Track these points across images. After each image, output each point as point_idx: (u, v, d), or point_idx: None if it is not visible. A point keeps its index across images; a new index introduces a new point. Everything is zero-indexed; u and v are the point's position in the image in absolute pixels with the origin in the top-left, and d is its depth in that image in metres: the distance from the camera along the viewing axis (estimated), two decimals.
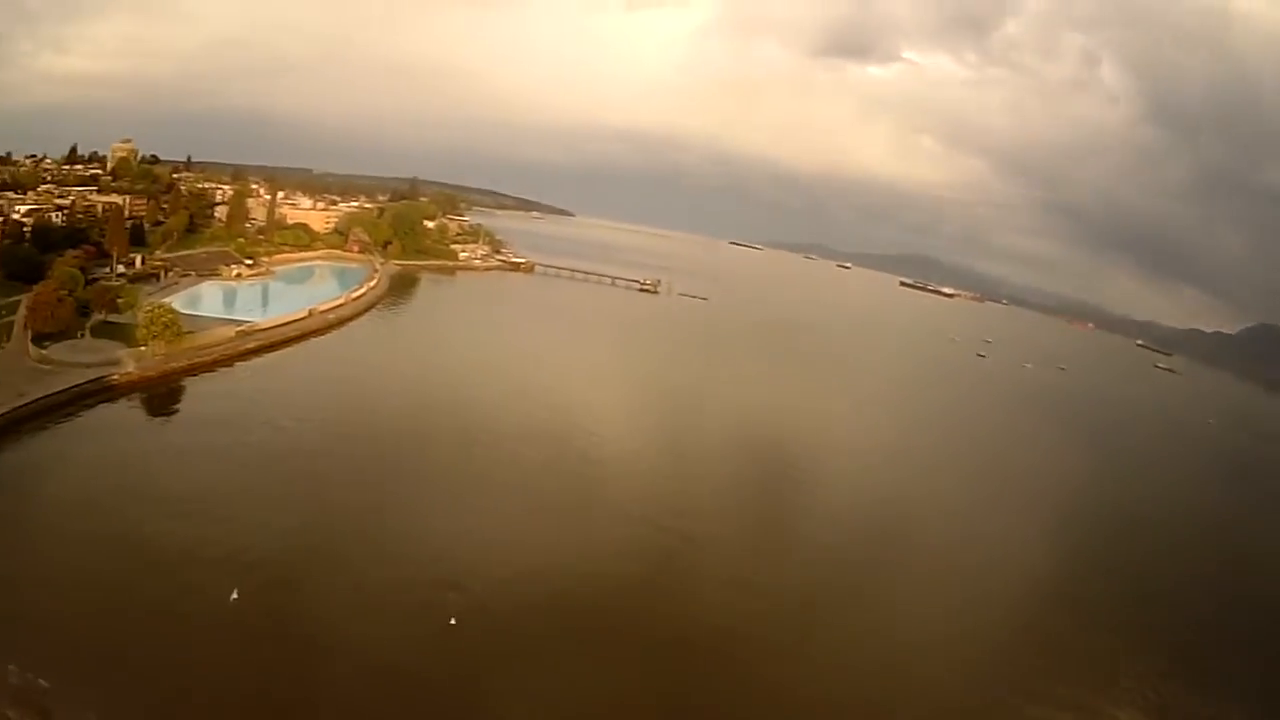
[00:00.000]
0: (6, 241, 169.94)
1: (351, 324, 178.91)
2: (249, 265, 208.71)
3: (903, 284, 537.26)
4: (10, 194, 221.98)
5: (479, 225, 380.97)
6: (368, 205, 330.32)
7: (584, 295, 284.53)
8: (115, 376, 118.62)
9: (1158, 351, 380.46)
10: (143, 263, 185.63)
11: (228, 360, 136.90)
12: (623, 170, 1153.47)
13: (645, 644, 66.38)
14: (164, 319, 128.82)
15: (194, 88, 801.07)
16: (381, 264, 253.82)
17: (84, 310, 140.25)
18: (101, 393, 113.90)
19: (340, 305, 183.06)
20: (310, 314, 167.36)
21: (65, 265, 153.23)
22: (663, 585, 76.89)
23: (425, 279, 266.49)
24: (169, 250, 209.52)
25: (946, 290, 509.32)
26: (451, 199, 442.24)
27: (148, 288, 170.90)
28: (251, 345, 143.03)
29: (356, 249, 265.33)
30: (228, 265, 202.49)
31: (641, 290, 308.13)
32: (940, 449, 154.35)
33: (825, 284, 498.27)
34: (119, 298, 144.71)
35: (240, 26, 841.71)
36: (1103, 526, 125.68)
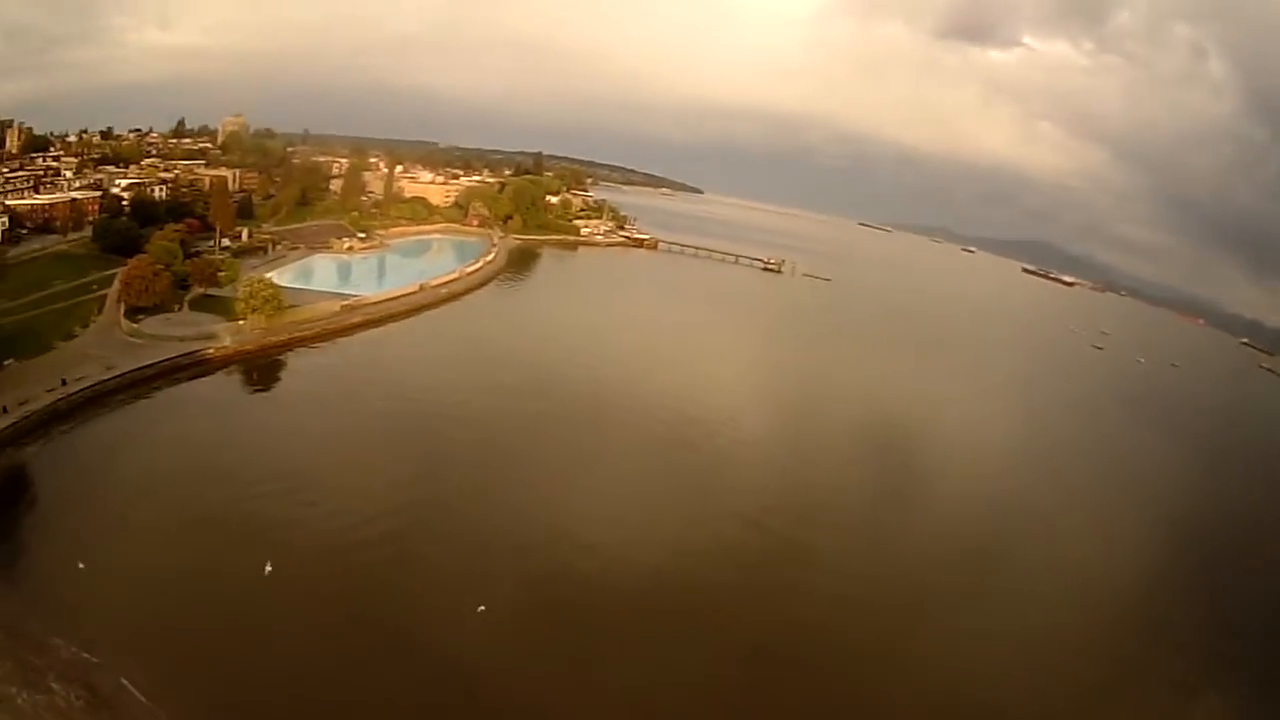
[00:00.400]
0: (104, 216, 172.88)
1: (465, 299, 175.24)
2: (361, 239, 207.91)
3: (1025, 270, 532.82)
4: (111, 168, 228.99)
5: (603, 201, 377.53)
6: (489, 179, 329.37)
7: (706, 273, 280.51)
8: (210, 350, 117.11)
9: (1262, 351, 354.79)
10: (249, 236, 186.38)
11: (330, 335, 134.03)
12: (751, 148, 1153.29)
13: (739, 630, 67.42)
14: (264, 293, 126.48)
15: (313, 63, 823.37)
16: (500, 238, 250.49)
17: (183, 284, 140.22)
18: (194, 366, 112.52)
19: (454, 280, 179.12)
20: (421, 288, 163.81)
21: (164, 239, 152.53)
22: (764, 570, 78.30)
23: (545, 254, 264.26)
24: (279, 224, 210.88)
25: (1067, 279, 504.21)
26: (577, 174, 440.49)
27: (253, 261, 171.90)
28: (356, 320, 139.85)
29: (476, 223, 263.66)
30: (339, 239, 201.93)
31: (765, 269, 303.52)
32: (1055, 448, 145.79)
33: (950, 268, 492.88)
34: (219, 271, 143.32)
35: (358, 2, 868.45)
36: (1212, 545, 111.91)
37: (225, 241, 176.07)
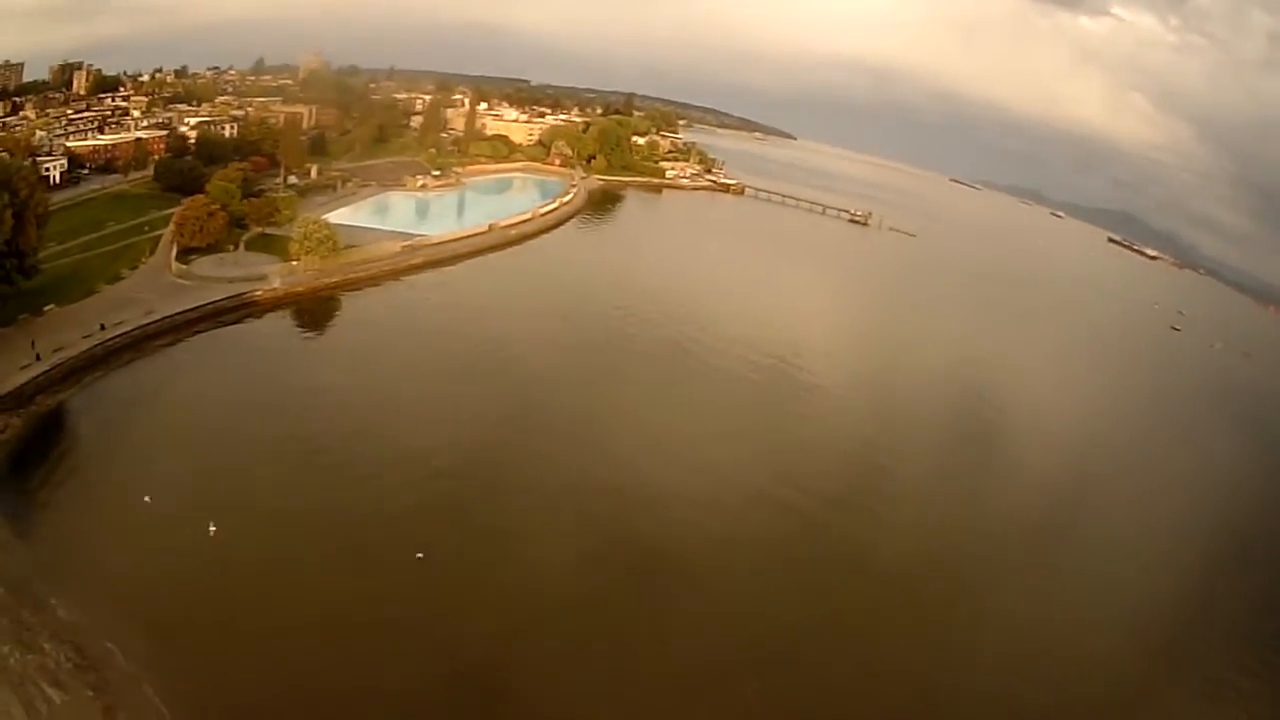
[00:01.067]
0: (167, 155, 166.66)
1: (536, 240, 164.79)
2: (435, 176, 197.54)
3: (1110, 240, 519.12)
4: (183, 106, 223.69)
5: (691, 144, 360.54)
6: (576, 118, 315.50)
7: (791, 222, 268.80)
8: (258, 293, 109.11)
9: None
10: (318, 173, 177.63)
11: (387, 276, 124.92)
12: (847, 98, 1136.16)
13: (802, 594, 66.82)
14: (318, 233, 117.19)
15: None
16: (582, 178, 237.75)
17: (241, 224, 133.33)
18: (240, 309, 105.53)
19: (526, 220, 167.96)
20: (490, 229, 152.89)
21: (225, 178, 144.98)
22: (832, 529, 77.95)
23: (627, 196, 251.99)
24: (352, 160, 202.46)
25: (1150, 252, 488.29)
26: (667, 115, 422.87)
27: (320, 198, 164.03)
28: (417, 261, 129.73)
29: (558, 163, 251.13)
30: (413, 176, 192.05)
31: (851, 221, 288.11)
32: (1129, 432, 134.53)
33: (1037, 231, 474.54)
34: (277, 210, 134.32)
35: None
36: None
37: (292, 179, 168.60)
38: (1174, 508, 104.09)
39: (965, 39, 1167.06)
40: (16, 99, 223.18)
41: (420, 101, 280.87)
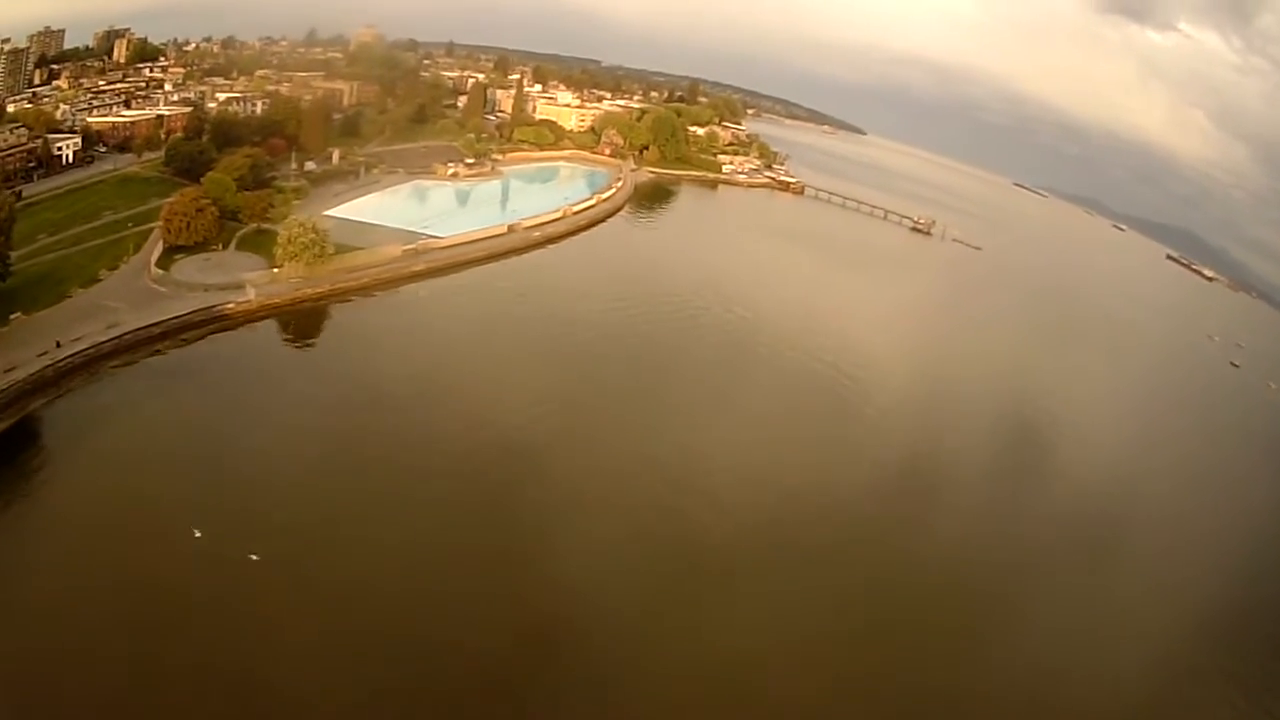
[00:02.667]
0: (178, 136, 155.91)
1: (563, 243, 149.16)
2: (469, 164, 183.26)
3: (1169, 257, 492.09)
4: (219, 79, 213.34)
5: (754, 135, 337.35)
6: (634, 104, 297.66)
7: (851, 227, 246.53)
8: (230, 305, 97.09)
9: None
10: (340, 158, 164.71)
11: (382, 285, 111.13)
12: (917, 95, 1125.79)
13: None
14: (303, 238, 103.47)
15: None
16: (632, 170, 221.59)
17: (237, 218, 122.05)
18: (210, 324, 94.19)
19: (555, 220, 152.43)
20: (510, 229, 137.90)
21: (233, 165, 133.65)
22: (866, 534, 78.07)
23: (678, 191, 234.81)
24: (384, 144, 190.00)
25: (1207, 272, 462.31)
26: (731, 104, 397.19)
27: (338, 186, 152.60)
28: (419, 267, 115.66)
29: (608, 152, 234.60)
30: (444, 164, 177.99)
31: (914, 229, 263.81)
32: (1175, 479, 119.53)
33: (1100, 245, 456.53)
34: (271, 205, 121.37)
35: None
36: None
37: (310, 164, 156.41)
38: (1215, 557, 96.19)
39: (1035, 44, 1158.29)
40: (55, 66, 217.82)
41: (473, 80, 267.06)
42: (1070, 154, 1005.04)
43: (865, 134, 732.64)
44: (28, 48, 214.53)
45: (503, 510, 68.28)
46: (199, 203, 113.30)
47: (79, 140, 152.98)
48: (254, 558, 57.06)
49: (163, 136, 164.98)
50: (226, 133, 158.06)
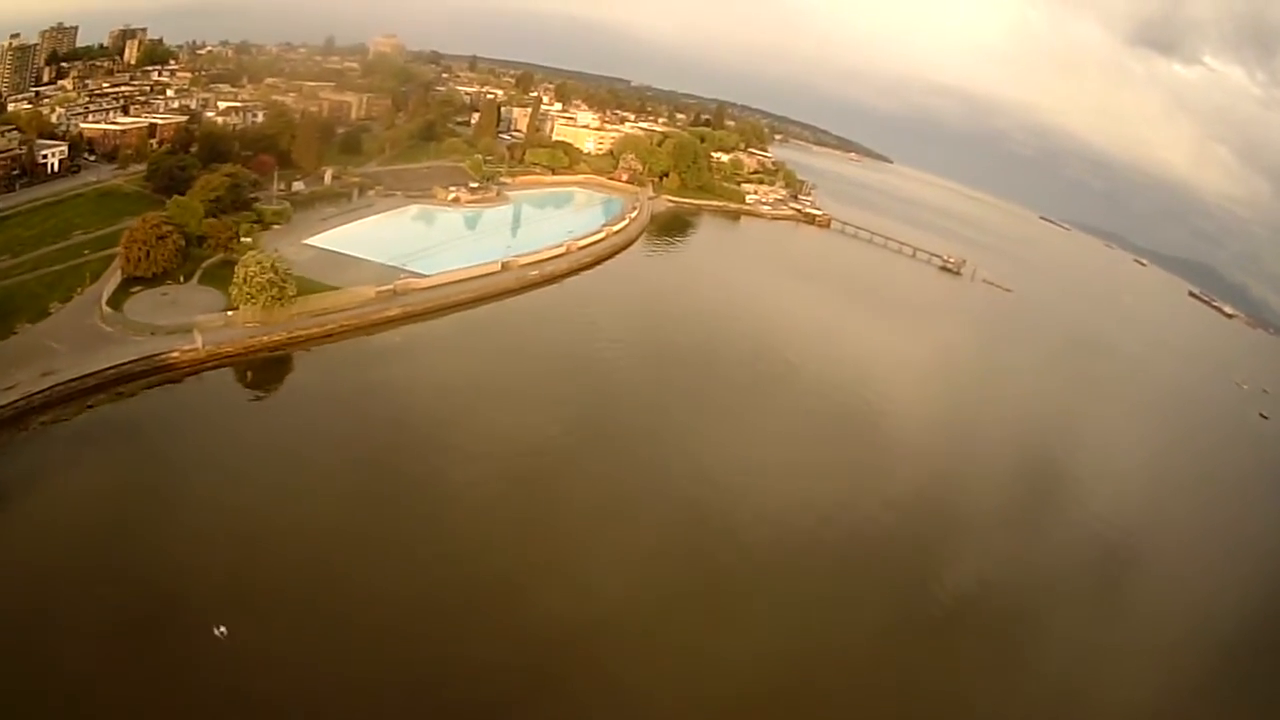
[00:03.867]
0: (162, 149, 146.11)
1: (563, 283, 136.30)
2: (473, 188, 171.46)
3: (1191, 294, 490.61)
4: (226, 87, 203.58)
5: (780, 163, 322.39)
6: (657, 127, 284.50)
7: (879, 266, 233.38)
8: (174, 354, 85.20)
9: None
10: (334, 178, 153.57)
11: (352, 332, 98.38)
12: (945, 124, 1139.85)
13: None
14: (260, 277, 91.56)
15: None
16: (651, 198, 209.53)
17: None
18: (151, 374, 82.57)
19: (557, 255, 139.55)
20: (504, 267, 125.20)
21: (209, 184, 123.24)
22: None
23: (698, 223, 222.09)
24: (386, 162, 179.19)
25: (1228, 309, 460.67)
26: (758, 130, 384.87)
27: (328, 210, 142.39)
28: (394, 312, 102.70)
29: (625, 178, 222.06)
30: (445, 187, 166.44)
31: (943, 268, 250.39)
32: (1200, 557, 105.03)
33: (1124, 283, 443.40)
34: (235, 236, 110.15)
35: None
36: None
37: (298, 184, 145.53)
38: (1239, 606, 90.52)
39: (1064, 76, 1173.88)
40: (64, 64, 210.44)
41: (491, 95, 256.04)
42: (1096, 188, 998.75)
43: (892, 163, 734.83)
44: (37, 44, 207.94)
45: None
46: (160, 229, 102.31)
47: (65, 149, 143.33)
48: None
49: (154, 147, 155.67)
50: (214, 146, 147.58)
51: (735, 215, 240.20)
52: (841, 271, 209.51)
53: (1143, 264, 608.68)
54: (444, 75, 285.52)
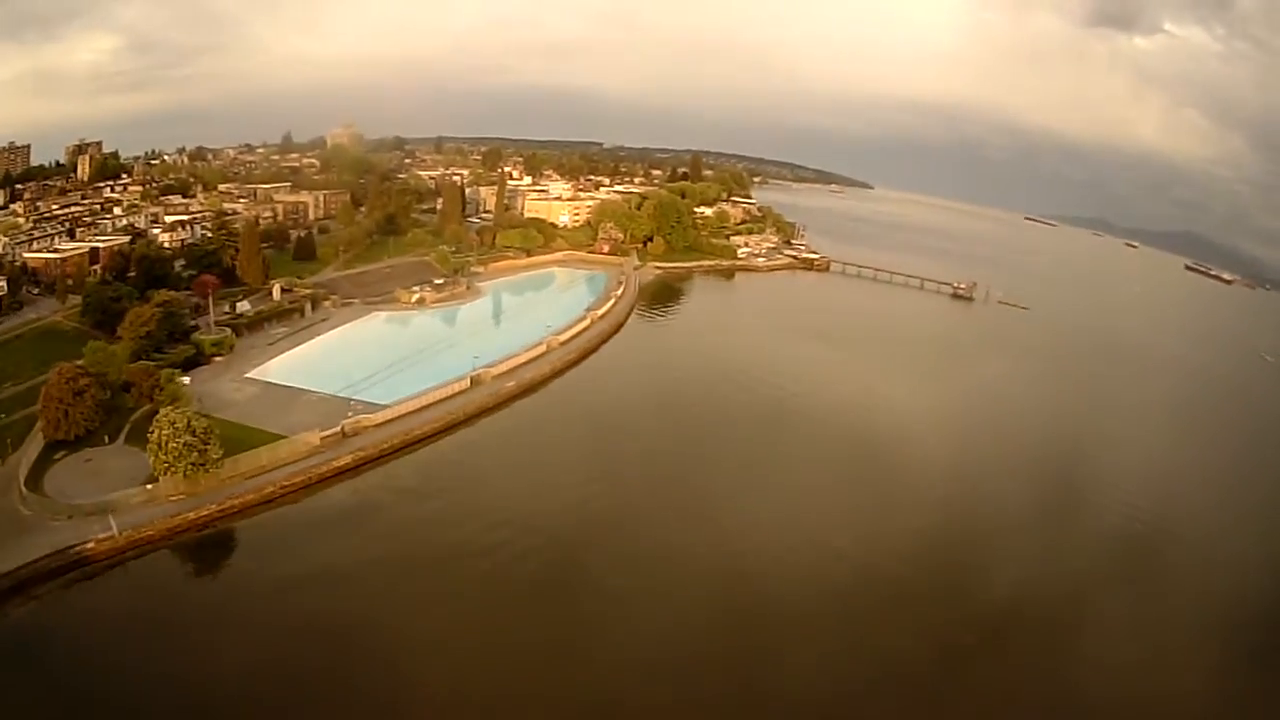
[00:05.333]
0: (93, 280, 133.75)
1: (552, 385, 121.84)
2: (438, 285, 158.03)
3: (1188, 268, 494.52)
4: (178, 198, 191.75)
5: (766, 209, 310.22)
6: (635, 189, 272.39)
7: (889, 305, 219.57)
8: (90, 543, 71.19)
9: None
10: (281, 293, 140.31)
11: (295, 491, 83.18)
12: (919, 141, 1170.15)
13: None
14: (176, 440, 77.34)
15: (473, 65, 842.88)
16: (636, 268, 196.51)
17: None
18: (68, 569, 69.05)
19: (536, 357, 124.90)
20: (473, 382, 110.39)
21: (140, 317, 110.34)
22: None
23: (690, 289, 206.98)
24: (344, 266, 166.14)
25: (1226, 276, 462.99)
26: (738, 176, 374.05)
27: (278, 329, 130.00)
28: (344, 460, 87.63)
29: (606, 250, 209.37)
30: (409, 287, 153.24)
31: (955, 296, 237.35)
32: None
33: (1126, 272, 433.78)
34: (156, 385, 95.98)
35: (517, 6, 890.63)
36: None
37: (244, 303, 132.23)
38: None
39: (1028, 69, 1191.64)
40: (18, 186, 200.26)
41: (458, 177, 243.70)
42: (1074, 178, 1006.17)
43: (873, 188, 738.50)
44: None
45: None
46: (77, 383, 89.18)
47: (3, 284, 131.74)
48: None
49: (96, 274, 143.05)
50: (149, 270, 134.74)
51: (729, 273, 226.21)
52: (853, 319, 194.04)
53: (1134, 246, 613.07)
54: (406, 161, 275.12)
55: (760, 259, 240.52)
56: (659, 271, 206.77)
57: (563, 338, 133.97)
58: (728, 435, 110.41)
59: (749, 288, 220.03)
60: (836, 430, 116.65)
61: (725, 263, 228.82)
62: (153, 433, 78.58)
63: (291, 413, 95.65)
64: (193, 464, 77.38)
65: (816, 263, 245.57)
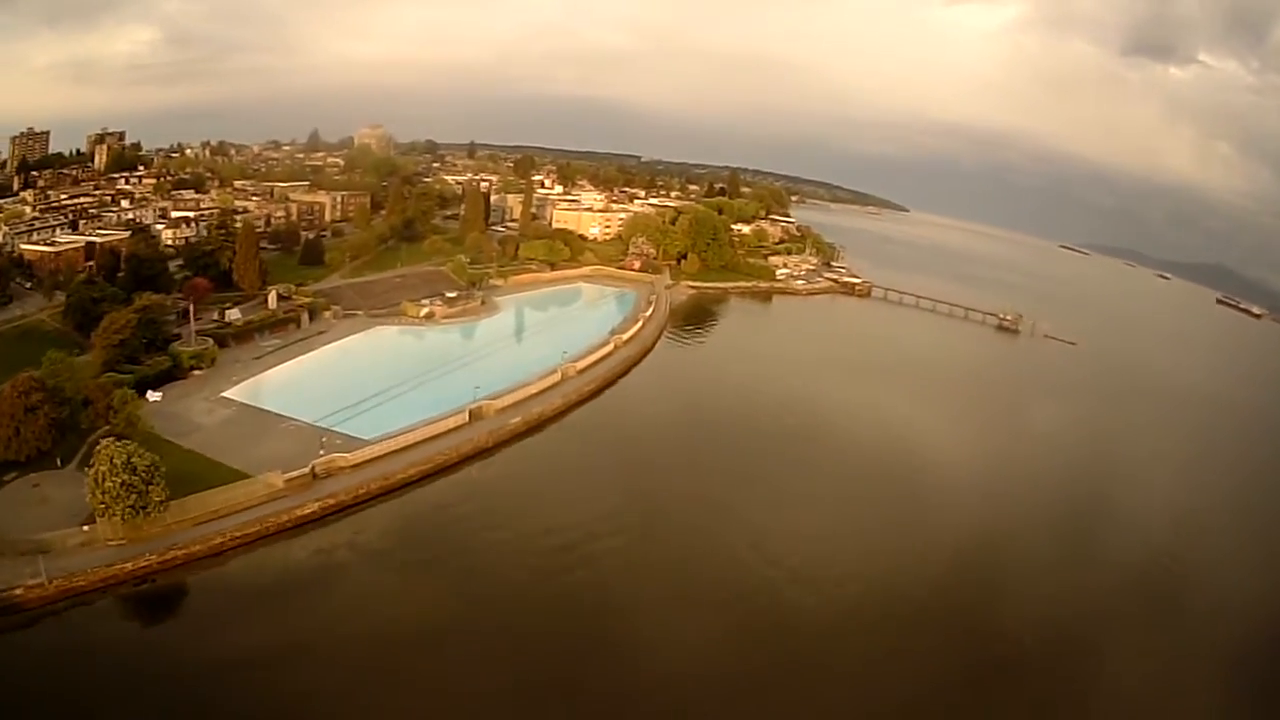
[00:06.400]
0: (79, 277, 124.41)
1: (569, 418, 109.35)
2: (450, 298, 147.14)
3: (1219, 301, 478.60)
4: (187, 193, 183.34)
5: (806, 228, 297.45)
6: (670, 202, 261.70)
7: (935, 336, 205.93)
8: (18, 590, 61.73)
9: None
10: (277, 301, 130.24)
11: (251, 541, 71.73)
12: (954, 166, 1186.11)
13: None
14: (113, 480, 67.03)
15: (514, 74, 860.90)
16: (668, 286, 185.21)
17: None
18: None
19: (548, 387, 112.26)
20: (472, 416, 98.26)
21: (115, 323, 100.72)
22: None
23: (726, 312, 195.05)
24: (353, 274, 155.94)
25: (1255, 310, 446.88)
26: (777, 194, 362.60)
27: (270, 342, 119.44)
28: (310, 508, 75.87)
29: (637, 266, 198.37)
30: (418, 300, 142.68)
31: (1000, 328, 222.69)
32: None
33: (1160, 304, 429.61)
34: (111, 406, 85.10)
35: (560, 15, 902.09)
36: None
37: (234, 311, 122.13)
38: None
39: (1063, 97, 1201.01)
40: (34, 172, 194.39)
41: (486, 183, 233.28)
42: (1106, 206, 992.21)
43: (908, 211, 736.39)
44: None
45: None
46: (29, 398, 79.09)
47: None
48: None
49: (91, 271, 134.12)
50: (138, 270, 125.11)
51: (766, 295, 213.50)
52: (899, 354, 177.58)
53: (1166, 278, 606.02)
54: (435, 165, 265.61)
55: (800, 281, 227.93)
56: (692, 291, 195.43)
57: (580, 365, 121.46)
58: (765, 497, 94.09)
59: (788, 313, 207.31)
60: (892, 497, 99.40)
61: (763, 284, 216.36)
62: (92, 466, 68.18)
63: (262, 443, 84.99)
64: (131, 507, 66.76)
65: (858, 287, 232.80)
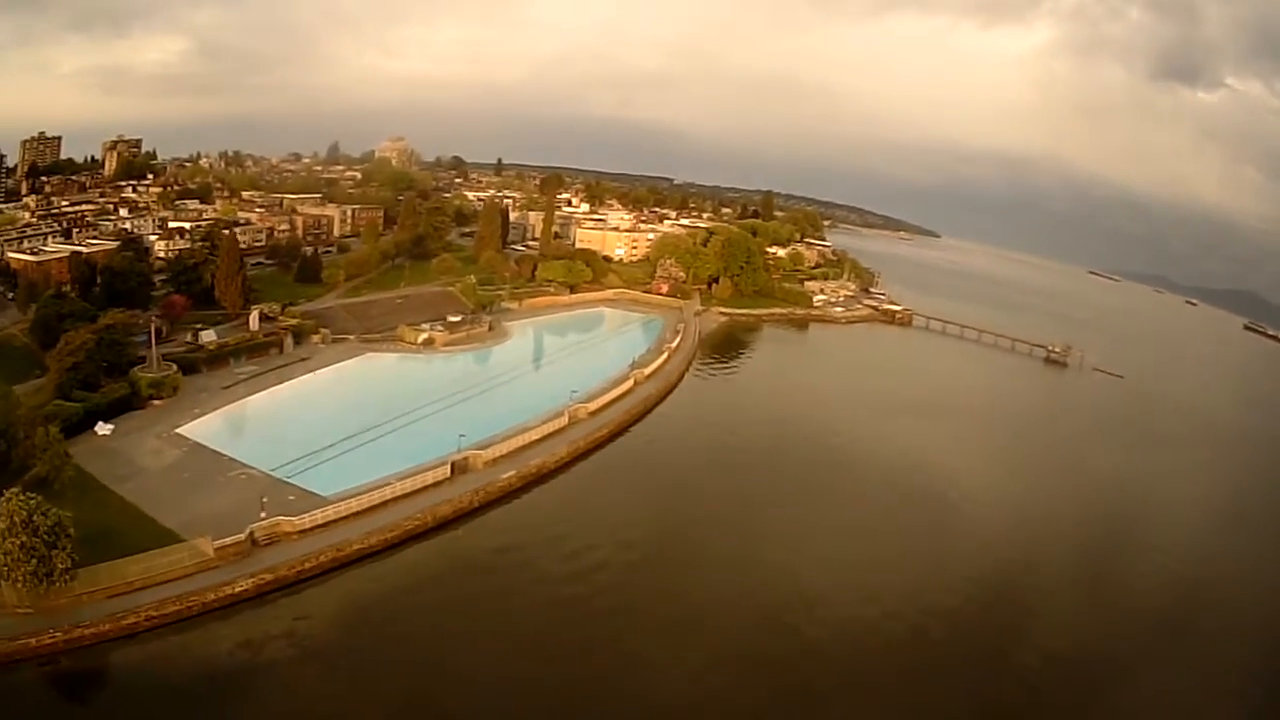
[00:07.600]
0: (49, 294, 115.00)
1: (575, 468, 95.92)
2: (453, 323, 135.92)
3: (1246, 327, 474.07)
4: (191, 203, 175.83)
5: (842, 252, 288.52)
6: (702, 223, 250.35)
7: (982, 368, 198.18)
8: None
9: None
10: (259, 322, 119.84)
11: (170, 622, 59.62)
12: (986, 191, 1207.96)
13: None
14: (12, 542, 56.40)
15: (548, 94, 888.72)
16: (698, 312, 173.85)
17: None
18: None
19: (552, 433, 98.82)
20: (454, 469, 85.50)
21: (73, 342, 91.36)
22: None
23: (758, 342, 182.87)
24: (351, 294, 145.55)
25: None
26: (812, 217, 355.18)
27: (244, 368, 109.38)
28: (241, 587, 63.29)
29: (665, 290, 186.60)
30: (416, 324, 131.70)
31: (1049, 360, 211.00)
32: None
33: (1192, 331, 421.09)
34: (34, 446, 73.49)
35: (596, 38, 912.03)
36: None
37: (208, 333, 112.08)
38: None
39: (1092, 124, 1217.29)
40: (43, 177, 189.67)
41: (510, 200, 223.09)
42: (1136, 233, 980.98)
43: (940, 236, 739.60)
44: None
45: None
46: None
47: None
48: None
49: (67, 283, 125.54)
50: (111, 284, 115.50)
51: (803, 323, 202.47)
52: (946, 391, 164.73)
53: (1194, 304, 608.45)
54: (458, 181, 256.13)
55: (838, 308, 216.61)
56: (724, 318, 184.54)
57: (592, 406, 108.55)
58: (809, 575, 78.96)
59: (826, 342, 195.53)
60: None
61: (799, 311, 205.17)
62: None
63: (204, 494, 73.56)
64: (32, 574, 55.60)
65: (899, 315, 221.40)
